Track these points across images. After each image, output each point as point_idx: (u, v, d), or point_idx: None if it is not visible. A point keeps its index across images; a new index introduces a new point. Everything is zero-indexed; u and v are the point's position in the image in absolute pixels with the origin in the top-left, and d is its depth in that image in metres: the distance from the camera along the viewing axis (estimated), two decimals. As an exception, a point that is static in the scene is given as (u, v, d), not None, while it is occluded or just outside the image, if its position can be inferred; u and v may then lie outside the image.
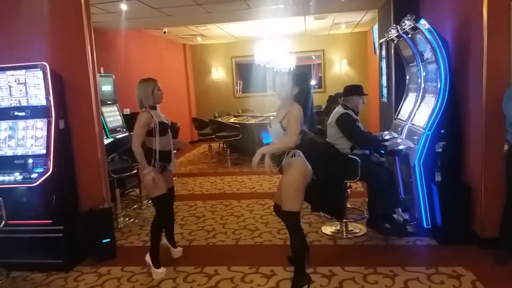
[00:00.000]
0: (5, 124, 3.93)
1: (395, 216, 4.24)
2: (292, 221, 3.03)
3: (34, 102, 3.88)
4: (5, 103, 3.91)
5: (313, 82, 11.77)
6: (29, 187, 3.66)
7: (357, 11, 7.71)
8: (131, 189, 5.96)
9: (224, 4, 6.08)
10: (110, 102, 6.30)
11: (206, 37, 10.39)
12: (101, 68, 6.25)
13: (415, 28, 3.93)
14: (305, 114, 2.96)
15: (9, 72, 3.87)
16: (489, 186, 3.60)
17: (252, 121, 8.75)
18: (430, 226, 3.92)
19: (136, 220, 4.97)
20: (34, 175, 3.71)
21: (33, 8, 3.98)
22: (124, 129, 6.27)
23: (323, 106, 9.47)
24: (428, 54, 4.07)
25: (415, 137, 4.01)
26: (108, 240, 3.89)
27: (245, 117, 9.52)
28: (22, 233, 3.68)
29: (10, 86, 3.89)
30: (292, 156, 2.95)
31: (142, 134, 3.43)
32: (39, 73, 3.81)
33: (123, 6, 5.77)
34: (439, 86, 3.80)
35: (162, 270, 3.51)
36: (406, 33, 4.17)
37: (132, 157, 5.28)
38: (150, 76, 3.66)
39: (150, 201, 3.65)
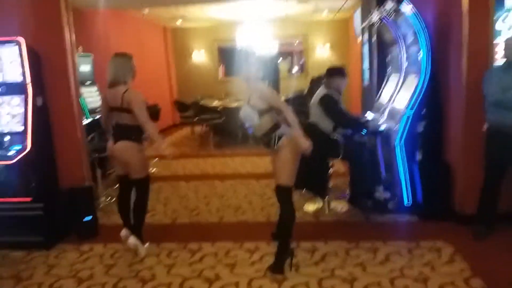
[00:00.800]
0: (-22, 100, 3.81)
1: (376, 194, 4.31)
2: (285, 195, 3.07)
3: (9, 78, 3.76)
4: (-21, 79, 3.78)
5: (295, 68, 11.78)
6: (7, 165, 3.57)
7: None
8: (112, 170, 5.87)
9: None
10: (90, 82, 6.17)
11: (187, 19, 10.21)
12: (80, 47, 6.09)
13: (397, 11, 3.96)
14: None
15: (-17, 48, 3.73)
16: (468, 164, 3.69)
17: (235, 104, 8.70)
18: (411, 204, 4.00)
19: (118, 200, 4.91)
20: (11, 153, 3.61)
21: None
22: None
23: (305, 90, 9.50)
24: (410, 37, 4.10)
25: (397, 117, 4.06)
26: (90, 218, 3.84)
27: (228, 100, 9.47)
28: (1, 211, 3.60)
29: (-16, 62, 3.75)
30: (279, 138, 2.99)
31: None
32: (15, 49, 3.68)
33: (103, -17, 5.61)
34: (420, 67, 3.85)
35: (147, 245, 3.49)
36: (388, 16, 4.19)
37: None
38: (137, 59, 3.53)
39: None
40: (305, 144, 2.93)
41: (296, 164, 3.04)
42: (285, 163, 3.00)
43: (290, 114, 2.95)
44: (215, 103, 9.00)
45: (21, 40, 3.66)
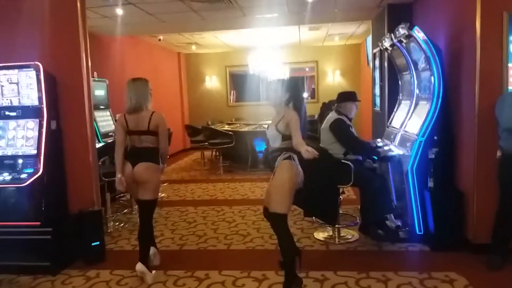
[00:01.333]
0: (-4, 123, 3.88)
1: (387, 222, 4.23)
2: (279, 223, 3.01)
3: (26, 102, 3.84)
4: (-4, 103, 3.86)
5: (305, 94, 11.84)
6: (18, 188, 3.61)
7: (351, 21, 7.80)
8: (121, 194, 5.89)
9: (219, 11, 6.11)
10: (103, 107, 6.27)
11: (200, 45, 10.43)
12: (95, 72, 6.22)
13: (409, 36, 3.98)
14: (299, 120, 3.02)
15: (1, 72, 3.83)
16: (481, 192, 3.61)
17: (245, 128, 8.75)
18: (422, 232, 3.92)
19: (126, 225, 4.90)
20: (23, 176, 3.65)
21: (30, 9, 3.97)
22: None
23: (316, 115, 9.51)
24: (421, 62, 4.11)
25: (408, 144, 4.03)
26: (98, 243, 3.82)
27: (238, 125, 9.52)
28: (9, 235, 3.60)
29: (2, 86, 3.84)
30: (286, 158, 2.97)
31: None
32: (32, 73, 3.78)
33: (119, 11, 5.77)
34: (432, 93, 3.83)
35: (154, 272, 3.46)
36: (400, 41, 4.22)
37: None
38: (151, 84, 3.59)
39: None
40: (307, 152, 2.83)
41: (291, 192, 2.97)
42: (278, 187, 2.97)
43: (297, 141, 2.93)
44: (225, 127, 9.06)
45: (39, 64, 3.76)
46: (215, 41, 9.71)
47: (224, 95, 11.96)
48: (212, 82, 11.96)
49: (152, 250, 3.65)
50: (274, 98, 3.14)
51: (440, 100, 3.83)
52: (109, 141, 5.79)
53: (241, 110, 11.45)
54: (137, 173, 3.37)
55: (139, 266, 3.35)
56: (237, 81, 11.90)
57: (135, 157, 3.41)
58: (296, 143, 2.93)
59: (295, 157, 3.01)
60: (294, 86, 3.19)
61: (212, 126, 9.01)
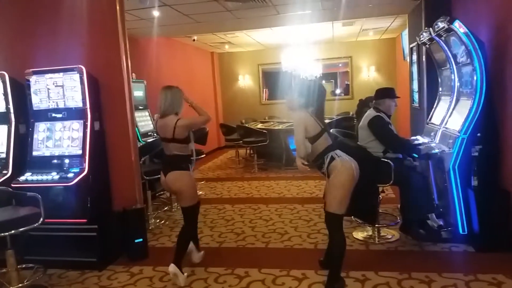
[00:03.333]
0: (43, 125, 4.07)
1: (429, 222, 4.14)
2: (335, 223, 3.02)
3: (70, 104, 4.00)
4: (44, 105, 4.05)
5: (339, 90, 11.70)
6: (65, 186, 3.77)
7: (386, 16, 7.64)
8: (161, 192, 6.04)
9: (253, 10, 6.14)
10: (142, 107, 6.44)
11: (233, 44, 10.50)
12: (133, 74, 6.38)
13: (449, 30, 3.85)
14: (319, 118, 3.04)
15: (47, 75, 4.01)
16: (529, 191, 3.47)
17: (279, 126, 8.75)
18: (466, 233, 3.79)
19: (167, 222, 5.03)
20: (70, 175, 3.81)
21: (72, 14, 4.11)
22: (155, 133, 6.37)
23: (351, 112, 9.39)
24: (462, 57, 3.98)
25: (450, 141, 3.91)
26: (141, 240, 3.94)
27: (271, 123, 9.53)
28: (58, 231, 3.77)
29: (48, 89, 4.03)
30: (332, 159, 2.96)
31: None
32: (76, 76, 3.93)
33: (155, 13, 5.90)
34: (474, 88, 3.71)
35: (186, 275, 3.45)
36: (440, 35, 4.09)
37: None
38: (175, 84, 3.67)
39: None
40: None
41: (348, 190, 2.96)
42: (335, 188, 2.95)
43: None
44: (259, 126, 9.09)
45: (82, 67, 3.91)
46: (248, 39, 9.75)
47: (257, 93, 12.00)
48: (245, 80, 12.02)
49: (193, 249, 3.70)
50: (293, 105, 3.12)
51: (483, 95, 3.69)
52: (148, 140, 5.95)
53: (274, 108, 11.44)
54: (168, 182, 3.44)
55: (172, 268, 3.32)
56: (270, 79, 11.91)
57: (165, 166, 3.50)
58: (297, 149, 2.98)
59: (339, 152, 3.00)
60: (308, 89, 3.10)
61: (246, 125, 9.06)
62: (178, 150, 3.43)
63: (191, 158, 3.52)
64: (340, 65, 11.51)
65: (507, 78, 3.76)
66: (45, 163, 3.95)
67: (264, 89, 12.02)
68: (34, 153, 4.01)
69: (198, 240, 3.94)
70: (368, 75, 11.14)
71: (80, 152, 3.91)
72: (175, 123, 3.35)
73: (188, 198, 3.46)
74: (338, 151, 3.01)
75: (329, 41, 10.71)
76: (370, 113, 4.10)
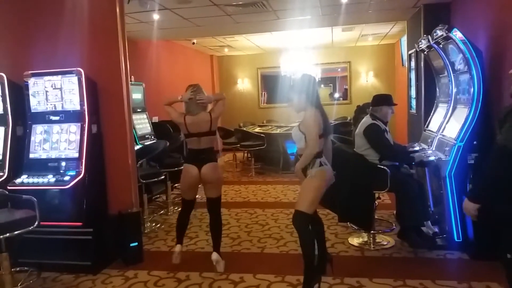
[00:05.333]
0: (40, 127, 4.07)
1: (424, 228, 4.14)
2: (301, 221, 3.07)
3: (68, 107, 4.00)
4: (41, 108, 4.05)
5: (337, 94, 11.72)
6: (62, 189, 3.76)
7: (385, 22, 7.67)
8: (158, 195, 6.03)
9: (253, 14, 6.16)
10: (140, 110, 6.44)
11: (233, 48, 10.52)
12: (132, 76, 6.38)
13: (447, 38, 3.88)
14: (324, 118, 3.11)
15: (46, 78, 4.01)
16: (524, 200, 3.46)
17: (277, 131, 8.76)
18: (461, 240, 3.81)
19: (163, 226, 5.02)
20: (66, 178, 3.81)
21: (71, 17, 4.11)
22: (153, 136, 6.39)
23: (349, 117, 9.42)
24: (459, 65, 4.00)
25: (446, 149, 3.93)
26: (136, 244, 3.94)
27: (269, 127, 9.55)
28: (53, 235, 3.76)
29: (46, 91, 4.02)
30: (312, 167, 3.05)
31: None
32: (75, 79, 3.93)
33: (155, 16, 5.92)
34: (471, 96, 3.72)
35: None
36: (438, 43, 4.12)
37: (160, 163, 5.40)
38: (174, 87, 3.80)
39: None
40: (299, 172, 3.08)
41: (319, 194, 3.08)
42: (311, 190, 3.06)
43: (307, 152, 3.02)
44: (257, 129, 9.10)
45: (81, 70, 3.91)
46: (247, 43, 9.78)
47: (256, 97, 12.02)
48: (244, 84, 12.04)
49: (215, 255, 3.74)
50: (293, 105, 3.20)
51: (480, 104, 3.71)
52: (146, 143, 5.95)
53: (272, 112, 11.46)
54: (206, 174, 3.61)
55: (215, 256, 3.65)
56: (269, 83, 11.93)
57: (199, 160, 3.64)
58: (308, 149, 3.01)
59: (322, 160, 3.08)
60: (304, 83, 3.18)
61: (244, 128, 9.07)
62: (209, 143, 3.68)
63: (217, 150, 3.69)
64: (339, 69, 11.55)
65: (504, 87, 3.77)
66: (41, 166, 3.94)
67: (263, 93, 12.04)
68: (31, 156, 4.00)
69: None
70: (367, 80, 11.18)
71: (77, 155, 3.91)
72: (210, 117, 3.64)
73: (219, 188, 3.80)
74: (324, 159, 3.11)
75: (328, 45, 10.75)
76: (366, 120, 4.10)
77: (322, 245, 3.39)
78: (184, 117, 3.67)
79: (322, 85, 11.73)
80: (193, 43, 9.22)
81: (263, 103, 12.05)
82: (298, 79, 3.32)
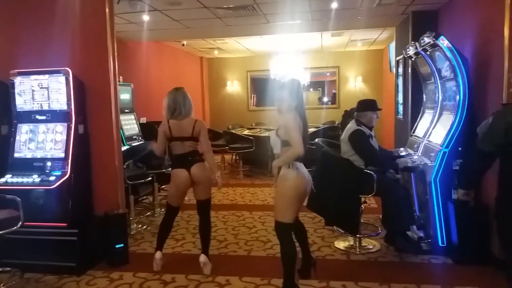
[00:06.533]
0: (26, 127, 4.02)
1: (409, 233, 4.19)
2: (281, 232, 3.04)
3: (55, 106, 3.96)
4: (28, 107, 4.00)
5: (326, 98, 11.80)
6: (47, 190, 3.72)
7: (374, 28, 7.76)
8: (144, 197, 5.99)
9: (243, 18, 6.17)
10: (128, 111, 6.40)
11: (223, 50, 10.52)
12: (120, 77, 6.35)
13: (434, 45, 3.94)
14: (304, 122, 3.03)
15: (33, 77, 3.96)
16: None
17: (266, 133, 8.76)
18: (445, 245, 3.86)
19: (149, 227, 4.99)
20: (52, 178, 3.76)
21: (60, 16, 4.08)
22: (140, 137, 6.35)
23: (337, 122, 9.48)
24: (446, 72, 4.07)
25: (432, 154, 3.98)
26: (121, 245, 3.90)
27: (258, 129, 9.56)
28: (37, 235, 3.71)
29: (33, 90, 3.98)
30: (287, 167, 2.98)
31: None
32: (62, 78, 3.90)
33: (145, 17, 5.89)
34: (457, 103, 3.79)
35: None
36: (425, 50, 4.18)
37: (147, 164, 5.37)
38: (163, 87, 3.76)
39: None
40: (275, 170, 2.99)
41: (293, 201, 2.99)
42: (280, 197, 3.01)
43: (291, 151, 2.89)
44: (246, 132, 9.10)
45: (68, 70, 3.88)
46: (237, 46, 9.79)
47: (245, 100, 12.03)
48: (234, 86, 12.05)
49: (203, 257, 3.69)
50: (280, 107, 3.08)
51: (465, 110, 3.78)
52: (133, 144, 5.91)
53: (261, 114, 11.48)
54: (196, 174, 3.59)
55: (203, 258, 3.62)
56: (258, 86, 11.96)
57: (186, 162, 3.60)
58: (293, 149, 2.87)
59: (298, 164, 3.00)
60: (298, 89, 3.12)
61: (233, 131, 9.07)
62: (194, 146, 3.63)
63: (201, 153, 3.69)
64: (328, 74, 11.63)
65: (489, 94, 3.85)
66: (26, 166, 3.89)
67: (253, 96, 12.06)
68: (16, 155, 3.95)
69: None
70: (355, 85, 11.27)
71: (63, 155, 3.86)
72: (194, 122, 3.59)
73: (209, 189, 3.74)
74: (298, 163, 3.01)
75: (317, 50, 10.82)
76: (351, 126, 4.12)
77: (306, 249, 3.42)
78: (167, 121, 3.60)
79: (311, 89, 11.81)
80: (183, 45, 9.20)
81: (253, 105, 12.07)
82: (286, 83, 3.22)
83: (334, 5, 5.48)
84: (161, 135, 3.62)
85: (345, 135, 4.13)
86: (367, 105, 4.18)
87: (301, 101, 3.09)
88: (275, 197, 3.09)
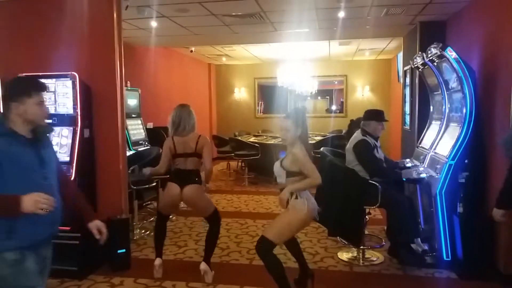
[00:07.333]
0: (32, 130, 4.03)
1: (413, 246, 4.14)
2: (265, 248, 2.98)
3: (62, 110, 3.99)
4: (34, 110, 4.02)
5: (334, 106, 11.78)
6: (51, 193, 3.72)
7: (382, 38, 7.74)
8: (149, 202, 5.99)
9: (251, 25, 6.19)
10: (135, 116, 6.43)
11: (231, 57, 10.57)
12: (128, 82, 6.40)
13: (441, 56, 3.92)
14: (306, 148, 3.01)
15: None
16: (513, 220, 3.48)
17: (272, 141, 8.76)
18: (450, 259, 3.81)
19: (152, 233, 4.97)
20: (56, 182, 3.76)
21: (68, 21, 4.13)
22: (146, 142, 6.37)
23: (344, 131, 9.44)
24: (453, 83, 4.03)
25: (438, 166, 3.94)
26: (124, 250, 3.90)
27: (265, 137, 9.55)
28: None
29: (40, 94, 4.00)
30: (296, 198, 2.95)
31: None
32: (69, 83, 3.93)
33: (153, 23, 5.93)
34: (464, 115, 3.75)
35: (213, 272, 3.67)
36: (432, 61, 4.16)
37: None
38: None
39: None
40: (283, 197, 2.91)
41: (295, 230, 3.04)
42: (286, 222, 2.99)
43: (309, 181, 2.90)
44: (252, 139, 9.10)
45: (75, 74, 3.91)
46: (245, 53, 9.82)
47: (252, 107, 12.04)
48: (241, 93, 12.07)
49: (204, 265, 3.67)
50: (285, 137, 3.04)
51: (472, 122, 3.74)
52: (139, 149, 5.93)
53: (268, 122, 11.48)
54: (186, 195, 3.57)
55: (204, 266, 3.60)
56: (266, 93, 11.97)
57: (182, 180, 3.59)
58: (312, 180, 2.90)
59: (306, 194, 3.00)
60: (303, 118, 3.08)
61: (239, 138, 9.07)
62: (194, 165, 3.64)
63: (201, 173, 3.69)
64: (336, 82, 11.60)
65: (496, 106, 3.81)
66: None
67: (260, 103, 12.07)
68: (21, 158, 3.97)
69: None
70: (363, 95, 11.23)
71: (68, 158, 3.88)
72: (198, 138, 3.63)
73: (205, 208, 3.74)
74: (309, 194, 3.01)
75: (325, 58, 10.82)
76: (356, 136, 4.10)
77: (302, 261, 3.39)
78: (172, 138, 3.64)
79: (319, 97, 11.80)
80: (191, 51, 9.25)
81: (260, 113, 12.07)
82: (290, 113, 3.14)
83: (342, 14, 5.48)
84: (166, 150, 3.65)
85: (350, 144, 4.11)
86: (372, 115, 4.16)
87: (305, 129, 3.06)
88: (280, 218, 3.04)
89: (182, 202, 3.71)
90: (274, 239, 2.96)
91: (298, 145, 2.98)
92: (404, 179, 4.14)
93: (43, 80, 3.87)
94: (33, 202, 1.85)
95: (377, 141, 4.10)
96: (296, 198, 2.94)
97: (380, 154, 4.09)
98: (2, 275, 1.95)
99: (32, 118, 2.05)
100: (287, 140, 3.04)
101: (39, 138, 2.10)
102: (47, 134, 2.20)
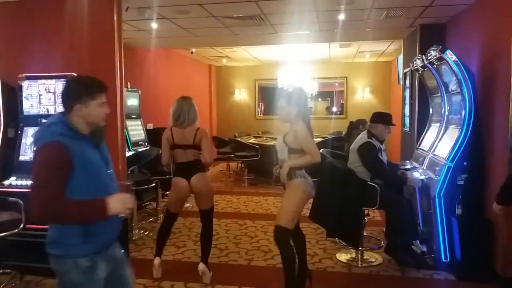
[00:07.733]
0: (32, 130, 4.04)
1: (413, 247, 4.14)
2: (283, 237, 3.07)
3: (61, 110, 3.99)
4: (34, 110, 4.04)
5: (334, 108, 11.79)
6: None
7: (382, 40, 7.75)
8: (148, 202, 6.01)
9: (251, 27, 6.21)
10: (135, 116, 6.44)
11: (231, 59, 10.58)
12: (128, 83, 6.41)
13: (440, 59, 3.92)
14: (308, 127, 3.12)
15: (40, 81, 4.02)
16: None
17: (272, 142, 8.75)
18: (448, 260, 3.81)
19: (151, 234, 4.99)
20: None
21: (68, 22, 4.14)
22: (146, 143, 6.38)
23: (343, 132, 9.44)
24: (453, 85, 4.04)
25: (437, 168, 3.94)
26: (122, 251, 3.89)
27: (264, 138, 9.56)
28: (38, 238, 3.69)
29: (40, 95, 4.03)
30: (291, 178, 3.06)
31: None
32: (69, 83, 3.93)
33: (154, 25, 5.94)
34: (463, 117, 3.76)
35: (211, 273, 3.68)
36: (432, 63, 4.17)
37: (152, 170, 5.38)
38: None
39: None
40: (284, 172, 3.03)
41: (302, 208, 3.11)
42: (292, 204, 3.07)
43: (309, 158, 3.02)
44: (252, 140, 9.11)
45: (75, 75, 3.91)
46: (245, 55, 9.84)
47: (252, 108, 12.05)
48: (241, 94, 12.08)
49: (202, 266, 3.70)
50: (282, 115, 3.21)
51: (470, 125, 3.75)
52: (139, 150, 5.94)
53: (268, 123, 11.48)
54: (195, 185, 3.59)
55: (202, 266, 3.62)
56: (266, 94, 11.98)
57: (187, 172, 3.62)
58: (312, 157, 3.02)
59: (301, 172, 3.10)
60: (299, 99, 3.20)
61: (239, 139, 9.08)
62: (196, 155, 3.64)
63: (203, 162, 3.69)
64: (337, 84, 11.61)
65: (495, 109, 3.82)
66: (31, 169, 3.90)
67: (260, 104, 12.08)
68: (21, 158, 3.99)
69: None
70: (363, 96, 11.23)
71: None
72: (196, 130, 3.63)
73: (210, 199, 3.75)
74: (304, 172, 3.13)
75: (325, 60, 10.83)
76: (362, 137, 4.11)
77: (303, 260, 3.39)
78: (170, 129, 3.66)
79: (319, 99, 11.80)
80: (192, 52, 9.26)
81: (260, 114, 12.08)
82: (291, 92, 3.32)
83: (342, 17, 5.49)
84: (165, 142, 3.67)
85: (354, 145, 4.10)
86: (380, 118, 4.16)
87: (306, 108, 3.19)
88: (283, 201, 3.13)
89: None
90: (286, 224, 3.04)
91: (300, 123, 3.09)
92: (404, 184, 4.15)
93: (43, 81, 3.93)
94: (121, 203, 1.84)
95: (382, 144, 4.10)
96: (293, 178, 3.05)
97: (384, 157, 4.08)
98: (73, 280, 1.93)
99: (95, 120, 2.01)
100: (290, 119, 3.15)
101: (99, 139, 2.06)
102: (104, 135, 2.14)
